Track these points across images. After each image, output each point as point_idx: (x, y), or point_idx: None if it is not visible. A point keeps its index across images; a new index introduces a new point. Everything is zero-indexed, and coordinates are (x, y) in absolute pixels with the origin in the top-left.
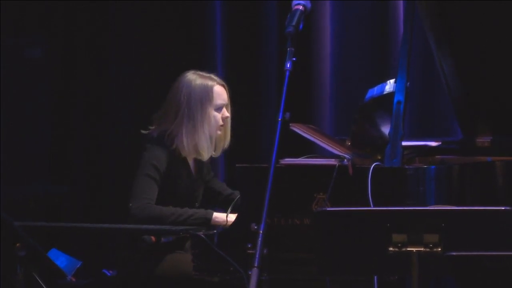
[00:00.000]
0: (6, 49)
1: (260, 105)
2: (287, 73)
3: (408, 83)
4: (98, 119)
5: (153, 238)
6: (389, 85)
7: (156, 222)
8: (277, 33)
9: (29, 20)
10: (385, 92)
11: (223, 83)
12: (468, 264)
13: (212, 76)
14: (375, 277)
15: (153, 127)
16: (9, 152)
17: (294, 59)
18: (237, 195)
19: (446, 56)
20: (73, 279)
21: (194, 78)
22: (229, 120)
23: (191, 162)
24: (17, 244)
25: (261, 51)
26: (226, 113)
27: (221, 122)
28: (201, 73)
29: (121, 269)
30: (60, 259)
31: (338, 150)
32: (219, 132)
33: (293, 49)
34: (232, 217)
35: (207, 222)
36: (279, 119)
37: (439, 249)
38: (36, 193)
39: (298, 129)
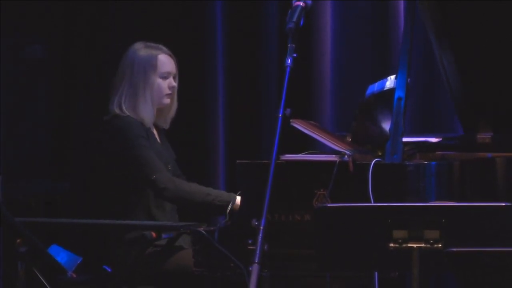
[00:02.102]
0: (6, 48)
1: (260, 102)
2: (288, 69)
3: (409, 79)
4: (99, 113)
5: (153, 233)
6: (390, 81)
7: (185, 197)
8: (277, 33)
9: (29, 19)
10: (385, 88)
11: (170, 53)
12: (468, 260)
13: (160, 46)
14: (376, 273)
15: (110, 105)
16: (10, 149)
17: (295, 55)
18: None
19: (447, 52)
20: (74, 275)
21: (140, 47)
22: (175, 90)
23: (153, 130)
24: (18, 240)
25: (261, 50)
26: (173, 82)
27: (167, 91)
28: (149, 43)
29: (121, 265)
30: (60, 255)
31: (338, 146)
32: (166, 101)
33: (293, 45)
34: None
35: (232, 206)
36: (280, 115)
37: (440, 245)
38: (36, 191)
39: (298, 125)
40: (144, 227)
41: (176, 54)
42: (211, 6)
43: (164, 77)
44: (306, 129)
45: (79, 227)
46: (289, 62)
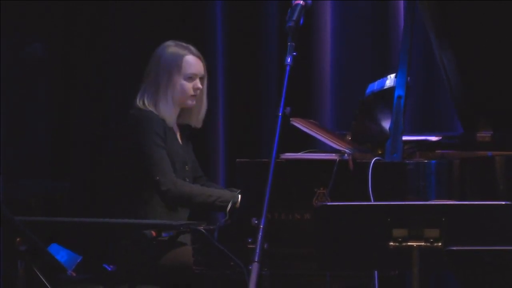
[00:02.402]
0: (6, 48)
1: (260, 101)
2: (288, 68)
3: (409, 77)
4: (99, 113)
5: (153, 232)
6: (390, 80)
7: (186, 199)
8: (277, 32)
9: (29, 19)
10: (385, 87)
11: (200, 55)
12: (468, 259)
13: (190, 47)
14: (376, 272)
15: (135, 99)
16: (10, 148)
17: (295, 53)
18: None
19: (447, 50)
20: (74, 274)
21: (169, 45)
22: (203, 92)
23: (175, 128)
24: (18, 239)
25: (261, 50)
26: (198, 84)
27: (191, 92)
28: (179, 42)
29: (122, 263)
30: (60, 253)
31: (338, 145)
32: (190, 102)
33: (293, 44)
34: None
35: (233, 205)
36: (280, 114)
37: (440, 244)
38: (36, 190)
39: (298, 123)
40: (144, 226)
41: None
42: (211, 6)
43: (189, 78)
44: (306, 127)
45: (79, 226)
46: (289, 60)
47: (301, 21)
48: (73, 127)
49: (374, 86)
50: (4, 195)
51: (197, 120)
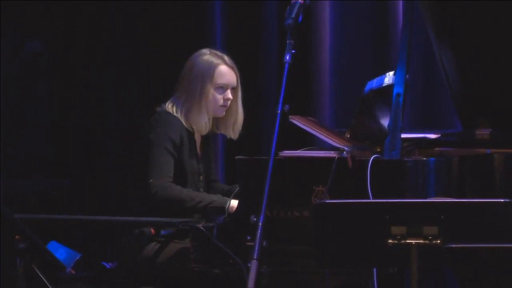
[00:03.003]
0: (7, 44)
1: (259, 98)
2: (287, 66)
3: (408, 75)
4: (99, 113)
5: (152, 230)
6: (389, 78)
7: (175, 204)
8: (277, 31)
9: (29, 18)
10: (384, 85)
11: (233, 65)
12: (467, 256)
13: (224, 56)
14: (374, 269)
15: (168, 101)
16: (10, 145)
17: (294, 51)
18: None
19: (446, 48)
20: (73, 271)
21: (203, 53)
22: (237, 103)
23: (197, 137)
24: (17, 237)
25: (260, 48)
26: (229, 95)
27: (221, 103)
28: (214, 51)
29: (120, 261)
30: (59, 251)
31: (337, 143)
32: (220, 112)
33: (292, 41)
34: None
35: (222, 209)
36: (279, 111)
37: (439, 241)
38: (36, 188)
39: (297, 121)
40: (143, 224)
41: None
42: (211, 6)
43: (220, 87)
44: (305, 125)
45: (78, 224)
46: (287, 58)
47: (300, 18)
48: (73, 126)
49: (373, 83)
50: (4, 193)
51: (234, 131)
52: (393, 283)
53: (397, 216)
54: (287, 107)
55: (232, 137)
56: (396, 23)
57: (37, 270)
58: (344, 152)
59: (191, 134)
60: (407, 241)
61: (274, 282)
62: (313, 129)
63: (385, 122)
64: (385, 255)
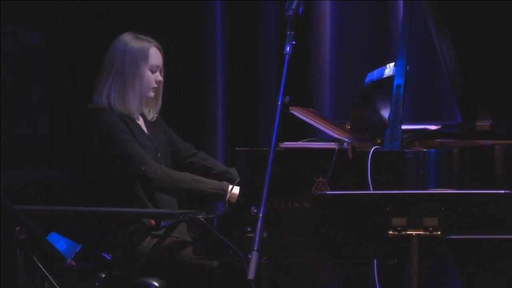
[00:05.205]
0: (6, 35)
1: (259, 90)
2: (287, 57)
3: (408, 66)
4: None
5: (152, 221)
6: (389, 69)
7: (176, 184)
8: (276, 24)
9: (28, 8)
10: (384, 76)
11: (159, 46)
12: (467, 248)
13: (149, 38)
14: (375, 260)
15: (94, 98)
16: (9, 135)
17: (294, 42)
18: (233, 171)
19: (446, 40)
20: (73, 263)
21: (131, 38)
22: (161, 85)
23: (139, 121)
24: (17, 228)
25: (260, 40)
26: (159, 77)
27: (154, 84)
28: (138, 35)
29: (121, 252)
30: (59, 242)
31: (337, 134)
32: (151, 94)
33: (292, 32)
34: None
35: (223, 193)
36: (279, 103)
37: (439, 233)
38: (35, 178)
39: (297, 112)
40: (143, 215)
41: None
42: (211, 6)
43: (153, 70)
44: (305, 116)
45: (78, 215)
46: (288, 49)
47: (300, 10)
48: (72, 114)
49: (373, 75)
50: (3, 183)
51: (154, 112)
52: (394, 274)
53: (398, 207)
54: (287, 98)
55: (151, 119)
56: (396, 14)
57: (37, 261)
58: (345, 144)
59: (131, 118)
60: (408, 232)
61: (274, 274)
62: (314, 121)
63: (385, 113)
64: (385, 246)
